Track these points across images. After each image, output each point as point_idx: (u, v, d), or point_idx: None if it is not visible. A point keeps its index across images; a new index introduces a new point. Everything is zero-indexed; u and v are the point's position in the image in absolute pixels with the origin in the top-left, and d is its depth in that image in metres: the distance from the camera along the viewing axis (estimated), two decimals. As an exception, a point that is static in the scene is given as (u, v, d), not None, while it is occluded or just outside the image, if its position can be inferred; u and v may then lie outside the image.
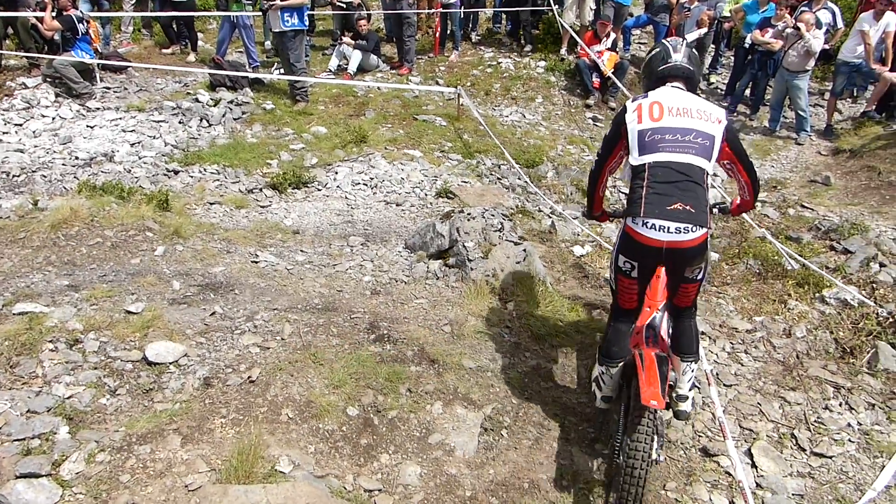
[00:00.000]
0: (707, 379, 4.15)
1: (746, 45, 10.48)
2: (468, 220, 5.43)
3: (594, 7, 11.57)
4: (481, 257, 5.14)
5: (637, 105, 3.41)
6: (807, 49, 9.16)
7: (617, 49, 10.80)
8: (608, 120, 10.16)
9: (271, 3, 8.98)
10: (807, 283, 5.50)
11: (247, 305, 4.49)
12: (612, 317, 3.74)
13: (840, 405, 4.31)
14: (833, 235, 6.40)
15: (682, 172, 3.27)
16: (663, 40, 3.72)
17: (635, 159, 3.35)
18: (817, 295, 5.36)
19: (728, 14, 11.18)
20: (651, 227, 3.25)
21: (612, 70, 10.18)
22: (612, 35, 10.59)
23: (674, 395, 3.68)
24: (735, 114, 10.78)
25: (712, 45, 11.74)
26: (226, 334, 4.13)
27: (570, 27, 11.20)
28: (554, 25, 11.61)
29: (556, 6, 11.52)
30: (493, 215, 5.55)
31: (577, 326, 4.92)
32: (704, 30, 10.54)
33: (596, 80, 10.49)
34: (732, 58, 11.58)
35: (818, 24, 9.39)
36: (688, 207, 3.21)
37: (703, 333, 4.96)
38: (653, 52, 3.62)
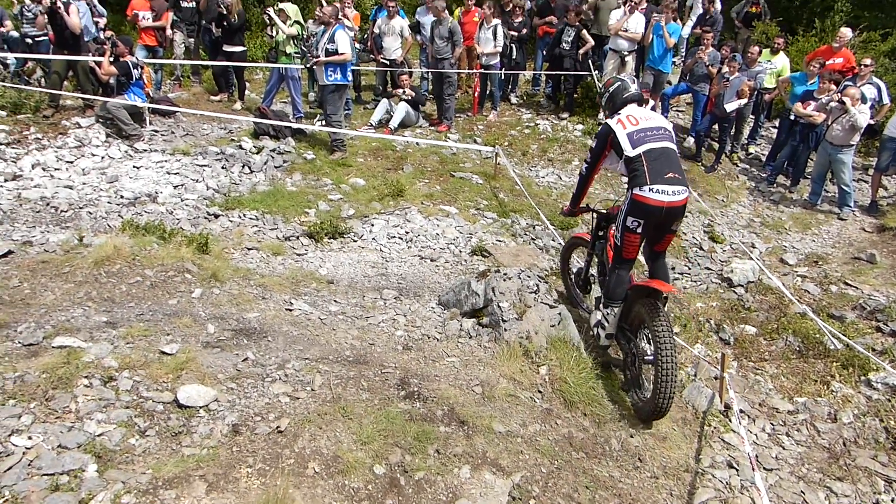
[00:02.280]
0: (749, 462, 4.02)
1: (792, 117, 10.51)
2: (504, 280, 5.43)
3: (634, 74, 11.76)
4: (516, 318, 5.12)
5: (617, 119, 4.79)
6: (852, 123, 9.16)
7: (656, 116, 10.90)
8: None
9: (317, 58, 9.29)
10: (851, 365, 5.35)
11: (279, 353, 4.51)
12: (614, 266, 4.92)
13: (892, 501, 4.13)
14: (880, 316, 6.25)
15: (665, 153, 4.64)
16: (621, 76, 5.18)
17: (631, 152, 4.62)
18: (863, 378, 5.21)
19: (769, 85, 11.26)
20: (655, 192, 4.52)
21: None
22: (651, 102, 10.71)
23: None
24: (774, 185, 10.74)
25: (752, 116, 11.80)
26: (256, 381, 4.14)
27: (610, 93, 11.36)
28: (593, 90, 11.79)
29: (596, 71, 11.72)
30: (528, 276, 5.54)
31: (610, 395, 4.84)
32: (744, 100, 10.61)
33: (634, 146, 10.55)
34: (773, 128, 11.61)
35: (863, 99, 9.41)
36: (677, 175, 4.60)
37: (741, 412, 4.83)
38: (615, 86, 5.01)
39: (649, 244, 4.97)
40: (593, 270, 5.77)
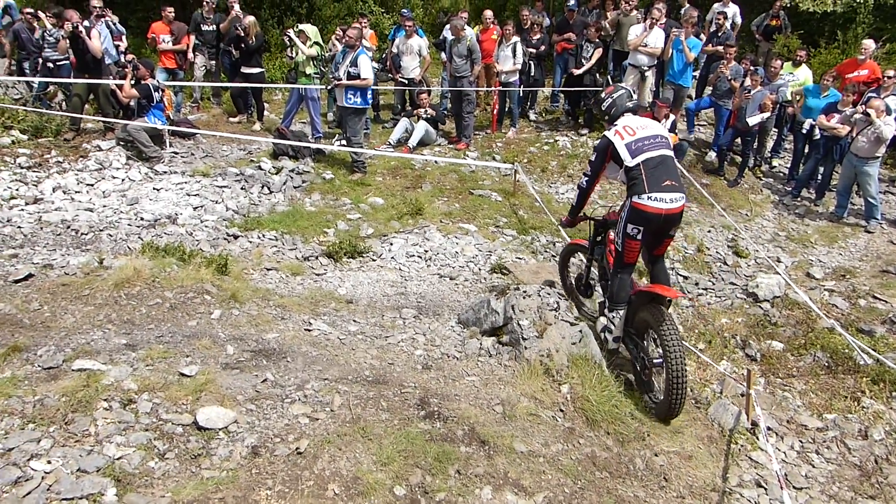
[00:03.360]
0: (778, 481, 3.94)
1: (804, 130, 10.43)
2: (524, 297, 5.41)
3: (654, 89, 11.74)
4: (536, 336, 5.09)
5: (614, 131, 4.98)
6: (877, 135, 9.05)
7: (676, 131, 10.85)
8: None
9: (338, 82, 9.40)
10: (882, 381, 5.24)
11: (298, 374, 4.52)
12: (616, 271, 5.12)
13: (924, 518, 4.03)
14: (910, 330, 6.14)
15: (663, 161, 4.84)
16: (623, 85, 5.38)
17: (630, 162, 4.81)
18: (894, 394, 5.10)
19: (791, 98, 11.18)
20: (654, 200, 4.72)
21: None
22: (672, 117, 10.66)
23: None
24: (799, 199, 10.62)
25: (775, 129, 11.70)
26: (276, 402, 4.14)
27: (629, 108, 11.34)
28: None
29: (616, 87, 11.71)
30: (549, 294, 5.51)
31: (633, 414, 4.78)
32: (767, 114, 10.53)
33: (654, 161, 10.51)
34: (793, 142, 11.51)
35: (888, 111, 9.30)
36: (674, 182, 4.81)
37: (769, 429, 4.75)
38: (619, 94, 5.17)
39: (648, 249, 5.20)
40: (594, 275, 5.94)
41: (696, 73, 12.89)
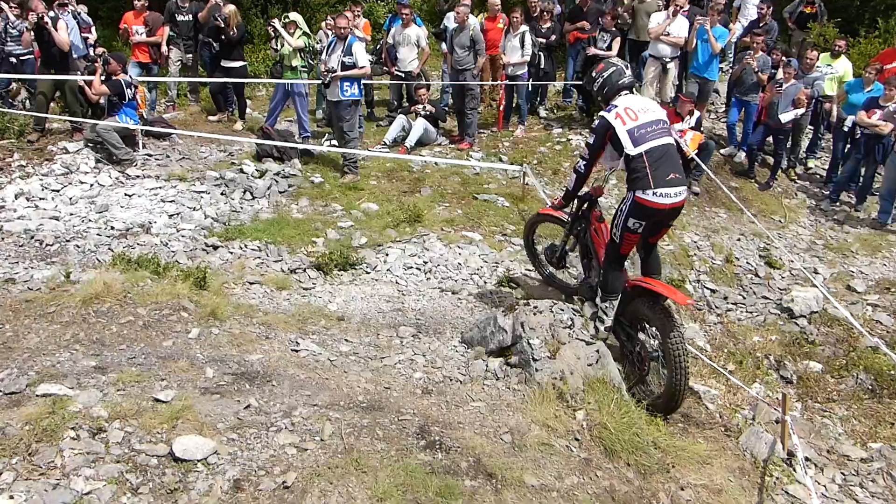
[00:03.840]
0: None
1: (846, 128, 10.45)
2: (534, 314, 5.43)
3: (677, 83, 11.79)
4: (548, 357, 5.10)
5: (615, 114, 5.12)
6: (923, 134, 9.09)
7: (701, 129, 10.89)
8: (690, 206, 10.17)
9: (333, 74, 9.46)
10: (932, 406, 5.25)
11: (284, 399, 4.53)
12: (611, 262, 5.47)
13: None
14: (962, 350, 6.14)
15: (667, 151, 5.07)
16: (612, 60, 5.58)
17: (632, 150, 5.03)
18: (946, 420, 5.10)
19: (829, 92, 11.21)
20: (659, 195, 4.98)
21: (696, 151, 10.24)
22: (696, 113, 10.70)
23: None
24: (838, 203, 10.65)
25: (810, 127, 11.74)
26: (260, 431, 4.15)
27: (650, 103, 11.38)
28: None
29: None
30: (562, 310, 5.53)
31: (655, 443, 4.78)
32: (801, 110, 10.56)
33: (677, 162, 10.56)
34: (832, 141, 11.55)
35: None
36: (678, 175, 5.07)
37: (807, 460, 4.75)
38: (610, 71, 5.31)
39: (644, 237, 5.49)
40: (573, 251, 6.39)
41: (724, 66, 12.95)
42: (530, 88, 12.09)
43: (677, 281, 8.35)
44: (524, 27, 11.36)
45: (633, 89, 5.43)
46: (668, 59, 11.31)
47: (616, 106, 5.20)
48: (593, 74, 5.49)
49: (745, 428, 5.24)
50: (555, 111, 13.12)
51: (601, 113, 5.29)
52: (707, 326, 7.66)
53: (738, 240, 9.53)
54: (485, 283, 7.29)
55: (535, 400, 4.81)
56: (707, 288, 8.43)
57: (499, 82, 12.04)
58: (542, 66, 12.01)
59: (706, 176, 10.31)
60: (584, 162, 5.46)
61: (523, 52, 11.32)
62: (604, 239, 5.77)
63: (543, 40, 11.89)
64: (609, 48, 11.58)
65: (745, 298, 8.33)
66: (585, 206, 6.01)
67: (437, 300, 6.85)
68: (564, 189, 5.95)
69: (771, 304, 8.16)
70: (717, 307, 8.13)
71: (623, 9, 12.44)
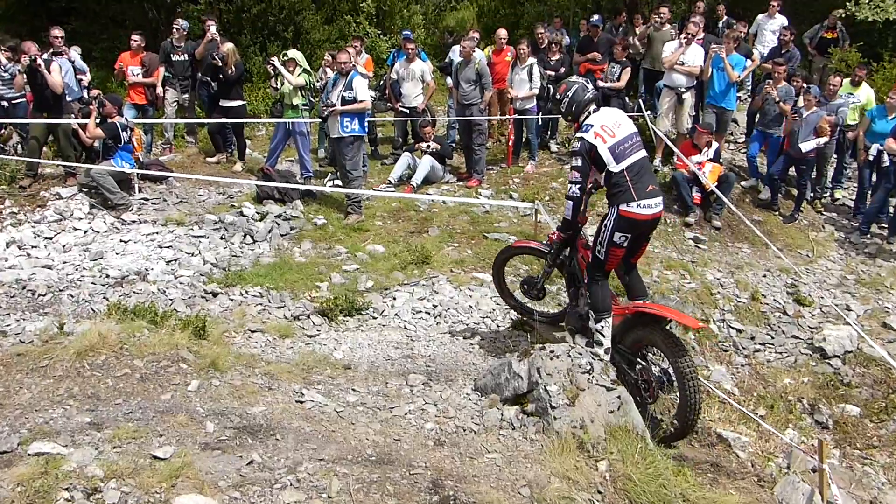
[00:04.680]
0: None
1: (871, 157, 10.47)
2: (551, 358, 5.40)
3: (693, 113, 11.88)
4: (567, 404, 5.06)
5: (593, 133, 5.51)
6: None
7: (721, 160, 10.95)
8: (712, 241, 10.20)
9: (332, 108, 9.59)
10: (980, 450, 5.17)
11: (289, 454, 4.50)
12: (596, 279, 5.76)
13: None
14: None
15: (644, 165, 5.60)
16: (572, 78, 6.09)
17: (615, 167, 5.47)
18: None
19: (851, 121, 11.27)
20: (643, 207, 5.45)
21: (716, 183, 10.29)
22: (715, 144, 10.78)
23: None
24: (868, 236, 10.62)
25: (835, 156, 11.78)
26: (264, 488, 4.12)
27: (665, 135, 11.48)
28: (646, 133, 11.90)
29: (649, 112, 11.88)
30: (580, 354, 5.50)
31: (684, 495, 4.71)
32: (825, 139, 10.61)
33: (696, 195, 10.61)
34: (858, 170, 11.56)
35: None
36: (655, 187, 5.59)
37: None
38: (574, 89, 5.74)
39: (625, 258, 5.87)
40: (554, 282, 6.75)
41: (741, 94, 13.06)
42: (540, 122, 12.21)
43: (700, 321, 8.31)
44: (532, 59, 11.52)
45: (597, 102, 5.83)
46: (683, 89, 11.43)
47: (591, 126, 5.57)
48: (557, 97, 5.89)
49: (780, 478, 5.17)
50: (566, 145, 13.20)
51: (579, 134, 5.63)
52: (734, 368, 7.61)
53: (764, 276, 9.50)
54: (498, 326, 7.29)
55: (554, 450, 4.76)
56: (733, 328, 8.39)
57: (507, 116, 12.17)
58: (552, 99, 12.14)
59: (727, 209, 10.34)
60: (578, 185, 5.68)
61: (531, 84, 11.48)
62: None
63: (552, 73, 12.07)
64: (618, 80, 11.73)
65: (773, 338, 8.28)
66: (570, 234, 6.19)
67: (447, 346, 6.84)
68: (562, 219, 6.08)
69: (801, 343, 8.10)
70: (744, 348, 8.07)
71: (638, 37, 12.61)
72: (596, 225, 6.02)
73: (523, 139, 12.22)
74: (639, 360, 5.71)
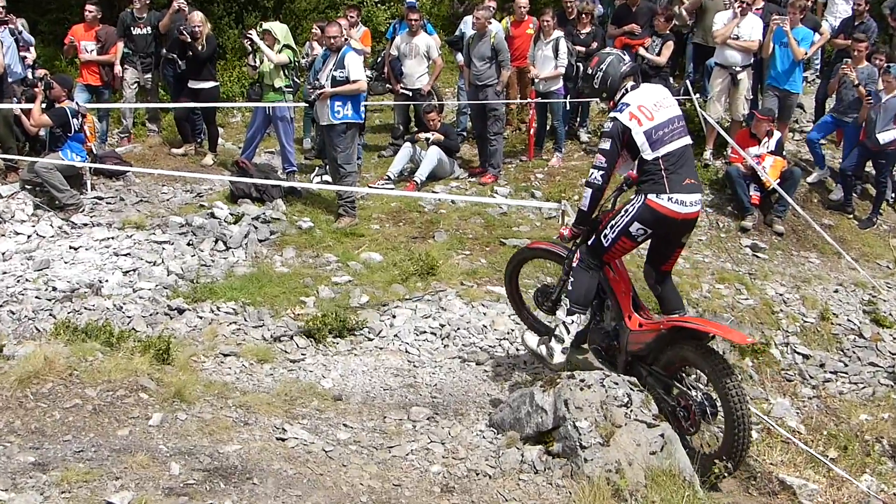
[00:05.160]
0: None
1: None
2: (581, 389, 5.39)
3: (751, 97, 11.85)
4: (600, 444, 5.06)
5: (629, 114, 5.55)
6: None
7: (784, 153, 10.92)
8: (773, 249, 10.19)
9: (320, 90, 9.61)
10: None
11: (269, 501, 4.52)
12: (589, 264, 5.82)
13: None
14: None
15: (684, 154, 5.62)
16: (605, 50, 6.25)
17: (649, 155, 5.51)
18: None
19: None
20: (674, 202, 5.47)
21: (778, 180, 10.27)
22: (777, 134, 10.75)
23: None
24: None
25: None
26: (239, 542, 4.14)
27: (718, 123, 11.47)
28: (694, 121, 11.90)
29: (698, 95, 11.87)
30: (615, 383, 5.50)
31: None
32: (908, 128, 10.57)
33: (755, 195, 10.59)
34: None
35: None
36: (694, 181, 5.65)
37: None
38: (608, 62, 5.79)
39: (655, 264, 6.02)
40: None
41: (808, 75, 13.03)
42: (568, 107, 12.20)
43: (759, 345, 8.32)
44: (558, 33, 11.52)
45: (636, 76, 5.96)
46: (738, 69, 11.40)
47: (628, 105, 5.63)
48: (589, 71, 5.95)
49: (855, 532, 5.16)
50: (599, 134, 13.18)
51: (612, 114, 5.68)
52: (800, 402, 7.59)
53: (836, 291, 9.47)
54: (517, 350, 7.28)
55: (584, 498, 4.75)
56: (798, 353, 8.37)
57: (528, 100, 12.17)
58: (583, 76, 12.11)
59: (791, 211, 10.33)
60: (601, 172, 5.69)
61: (557, 62, 11.48)
62: (621, 276, 6.06)
63: (582, 48, 12.03)
64: (658, 55, 11.66)
65: (847, 366, 8.25)
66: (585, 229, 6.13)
67: (457, 373, 6.83)
68: (577, 210, 6.07)
69: (881, 372, 8.08)
70: (811, 377, 8.05)
71: (686, 6, 12.55)
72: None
73: (547, 127, 12.22)
74: (675, 383, 5.70)
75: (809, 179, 11.61)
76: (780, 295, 9.30)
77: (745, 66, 11.45)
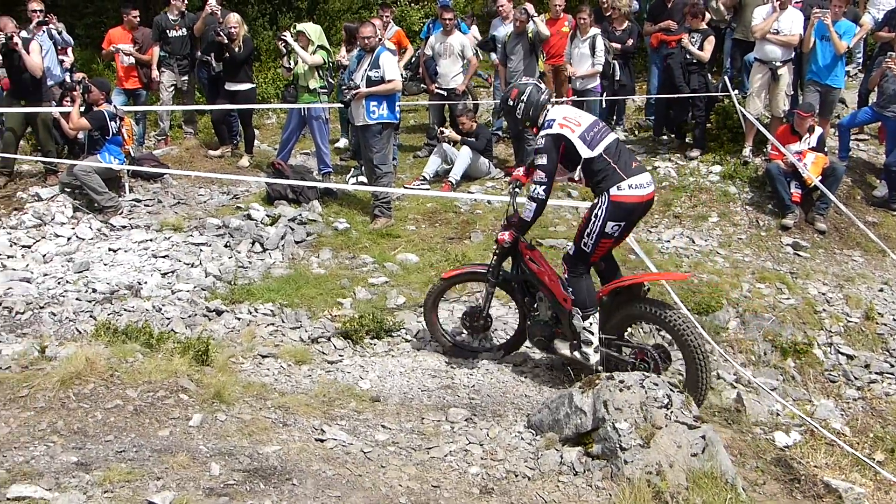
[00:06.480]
0: None
1: None
2: (620, 390, 5.37)
3: (791, 92, 11.73)
4: (640, 445, 5.04)
5: (559, 125, 6.11)
6: None
7: (825, 150, 10.80)
8: (816, 248, 10.07)
9: (355, 90, 9.66)
10: None
11: (308, 502, 4.55)
12: (580, 272, 6.28)
13: None
14: None
15: (619, 145, 6.23)
16: (522, 81, 6.70)
17: (592, 153, 6.05)
18: None
19: None
20: (635, 188, 5.99)
21: (820, 177, 10.15)
22: (818, 130, 10.64)
23: None
24: None
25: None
26: (279, 543, 4.18)
27: (757, 119, 11.36)
28: (733, 117, 11.81)
29: (737, 91, 11.76)
30: (655, 384, 5.47)
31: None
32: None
33: (796, 192, 10.47)
34: None
35: None
36: (639, 162, 6.29)
37: None
38: (529, 91, 6.32)
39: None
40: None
41: (850, 69, 12.86)
42: (604, 105, 12.16)
43: (802, 345, 8.24)
44: (595, 30, 11.51)
45: (551, 102, 6.50)
46: (778, 63, 11.26)
47: (553, 119, 6.19)
48: (510, 103, 6.43)
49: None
50: (636, 132, 13.17)
51: (542, 133, 6.21)
52: (844, 403, 7.50)
53: (881, 290, 9.34)
54: (554, 351, 7.27)
55: (624, 500, 4.74)
56: (842, 353, 8.26)
57: (565, 99, 12.14)
58: (618, 78, 12.09)
59: (834, 208, 10.20)
60: (543, 187, 6.23)
61: (594, 60, 11.47)
62: (543, 266, 6.61)
63: (618, 45, 11.99)
64: (701, 49, 11.56)
65: (893, 366, 8.14)
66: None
67: (494, 374, 6.83)
68: (517, 221, 6.64)
69: (928, 372, 7.97)
70: (856, 378, 7.95)
71: (725, 0, 12.45)
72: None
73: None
74: (626, 342, 6.48)
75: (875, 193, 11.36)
76: (823, 294, 9.20)
77: (785, 60, 11.31)
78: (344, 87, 10.08)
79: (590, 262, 6.33)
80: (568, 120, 6.17)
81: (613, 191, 5.98)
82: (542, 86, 6.54)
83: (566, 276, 6.38)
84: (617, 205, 5.99)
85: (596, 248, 6.17)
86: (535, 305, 6.73)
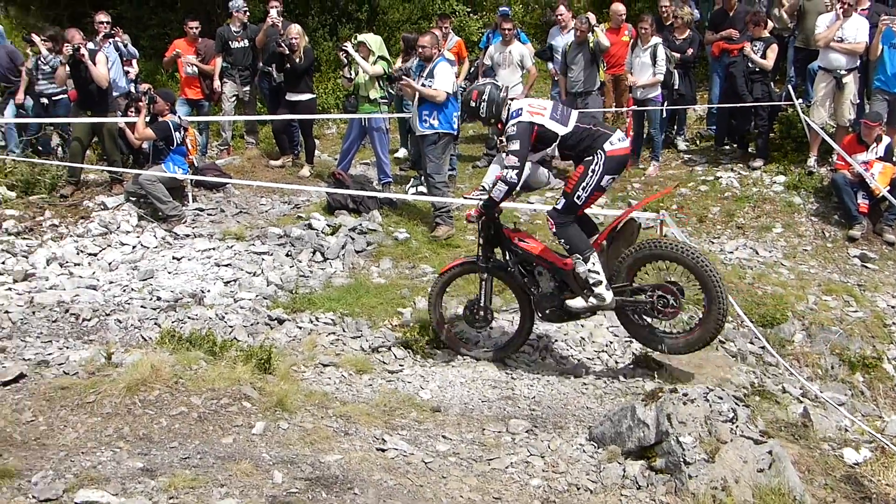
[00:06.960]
0: None
1: None
2: (684, 403, 5.31)
3: (857, 101, 11.50)
4: (705, 460, 4.97)
5: (528, 112, 6.49)
6: None
7: (894, 158, 10.56)
8: (884, 259, 9.87)
9: (403, 81, 9.89)
10: None
11: (370, 512, 4.56)
12: (569, 220, 6.58)
13: None
14: None
15: (585, 116, 6.85)
16: (478, 82, 7.25)
17: (564, 130, 6.48)
18: None
19: None
20: (620, 140, 6.52)
21: (888, 187, 9.94)
22: (886, 139, 10.42)
23: None
24: None
25: None
26: (342, 552, 4.19)
27: (822, 129, 11.16)
28: (797, 126, 11.63)
29: (801, 100, 11.58)
30: (720, 398, 5.39)
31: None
32: None
33: (863, 203, 10.26)
34: None
35: None
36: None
37: None
38: (489, 91, 6.68)
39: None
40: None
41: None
42: (665, 115, 12.06)
43: (871, 359, 8.07)
44: (656, 39, 11.43)
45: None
46: (843, 72, 11.06)
47: (521, 108, 6.57)
48: (472, 104, 6.76)
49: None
50: (697, 142, 13.03)
51: (512, 122, 6.50)
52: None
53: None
54: (616, 362, 7.22)
55: (689, 516, 4.69)
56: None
57: (625, 108, 12.08)
58: (679, 87, 11.97)
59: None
60: (516, 171, 6.48)
61: (655, 69, 11.38)
62: (533, 241, 6.98)
63: (679, 54, 11.88)
64: (764, 58, 11.40)
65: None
66: (493, 231, 6.98)
67: (555, 385, 6.80)
68: (488, 198, 6.80)
69: None
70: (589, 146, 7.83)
71: (786, 8, 12.29)
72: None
73: (644, 135, 12.08)
74: (639, 287, 6.65)
75: None
76: (893, 307, 9.00)
77: (850, 69, 11.10)
78: (395, 74, 10.44)
79: (579, 213, 6.67)
80: (533, 107, 6.57)
81: (607, 146, 6.39)
82: (500, 83, 6.99)
83: (554, 229, 6.64)
84: (612, 158, 6.40)
85: (588, 200, 6.55)
86: (537, 281, 6.95)
